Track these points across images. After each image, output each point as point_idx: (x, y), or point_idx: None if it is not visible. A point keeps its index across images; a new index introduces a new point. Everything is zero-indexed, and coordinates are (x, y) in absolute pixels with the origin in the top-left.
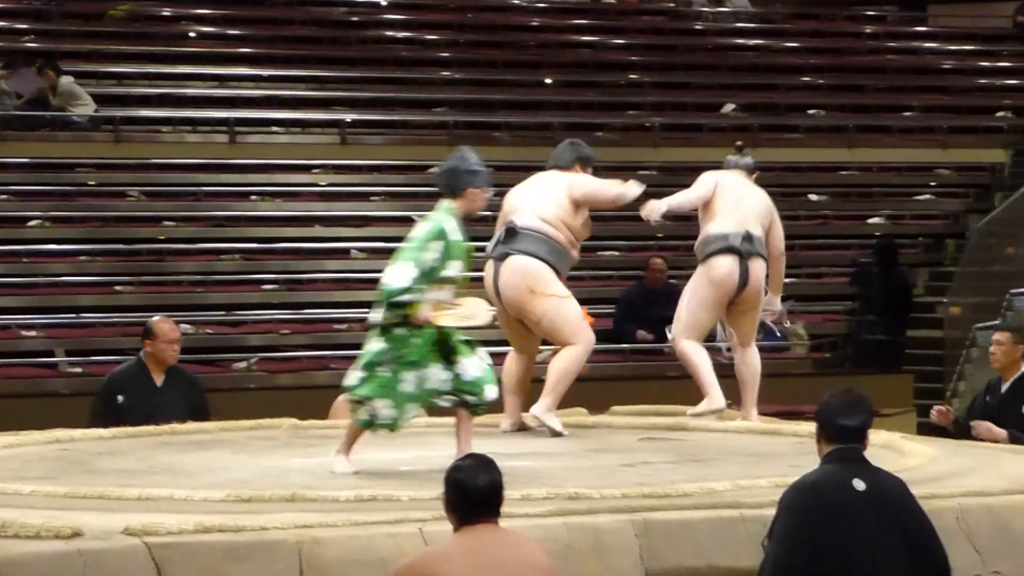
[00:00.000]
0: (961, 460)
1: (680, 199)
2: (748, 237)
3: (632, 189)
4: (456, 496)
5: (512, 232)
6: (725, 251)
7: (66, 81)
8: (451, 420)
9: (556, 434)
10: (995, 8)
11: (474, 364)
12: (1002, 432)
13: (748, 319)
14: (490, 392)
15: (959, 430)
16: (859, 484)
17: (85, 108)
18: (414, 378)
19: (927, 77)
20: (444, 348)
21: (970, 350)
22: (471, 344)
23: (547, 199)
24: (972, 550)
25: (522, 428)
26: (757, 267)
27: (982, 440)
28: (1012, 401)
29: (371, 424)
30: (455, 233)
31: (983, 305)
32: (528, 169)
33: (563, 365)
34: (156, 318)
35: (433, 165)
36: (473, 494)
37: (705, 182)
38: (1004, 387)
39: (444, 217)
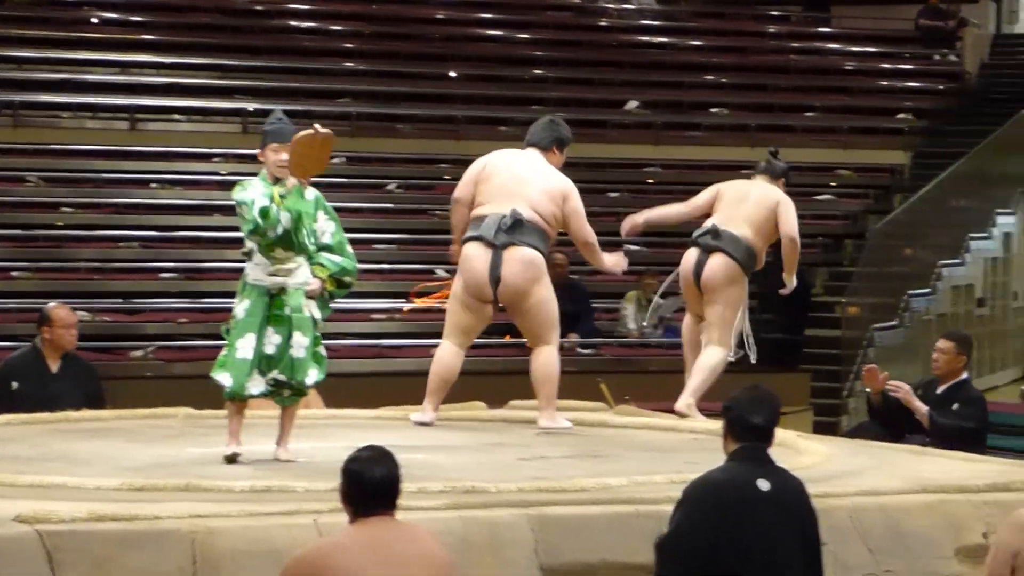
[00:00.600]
0: (856, 459)
1: (662, 210)
2: (714, 232)
3: (613, 264)
4: (352, 487)
5: (518, 223)
6: (690, 244)
7: None
8: (350, 412)
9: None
10: (898, 11)
11: (304, 344)
12: (923, 407)
13: (708, 310)
14: (312, 377)
15: (883, 401)
16: (763, 484)
17: None
18: (246, 344)
19: (829, 78)
20: (284, 317)
21: (867, 350)
22: (312, 324)
23: (545, 197)
24: (865, 549)
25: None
26: (714, 261)
27: (898, 397)
28: (945, 402)
29: (231, 396)
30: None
31: (881, 305)
32: (432, 162)
33: (549, 371)
34: (51, 304)
35: (335, 157)
36: (369, 486)
37: (703, 193)
38: (941, 389)
39: (254, 179)
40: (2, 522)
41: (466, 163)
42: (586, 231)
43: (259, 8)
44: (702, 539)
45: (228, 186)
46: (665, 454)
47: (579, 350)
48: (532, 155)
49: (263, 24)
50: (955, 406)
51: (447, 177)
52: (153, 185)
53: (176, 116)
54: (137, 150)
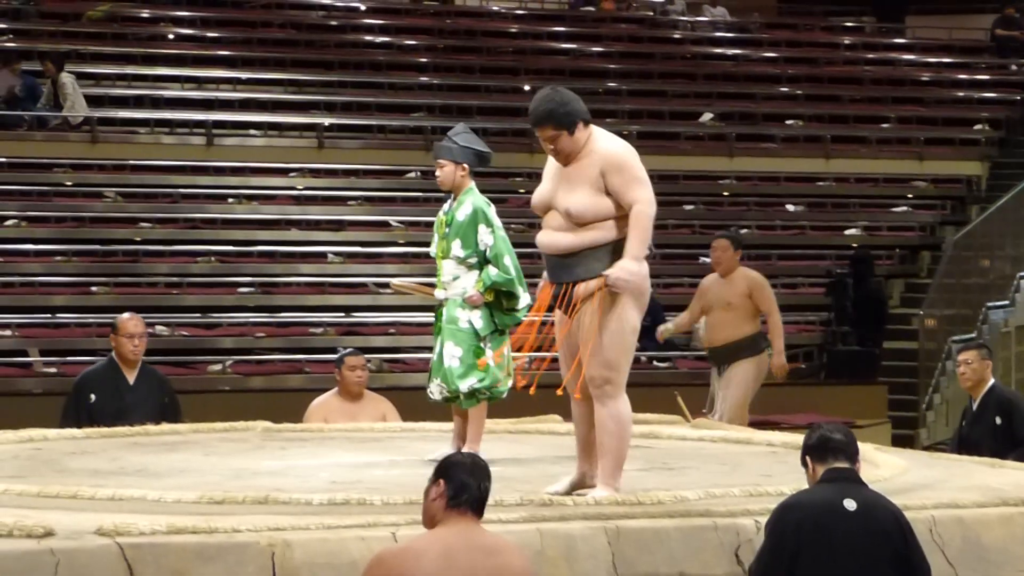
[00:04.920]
0: (932, 472)
1: None
2: None
3: None
4: (454, 480)
5: None
6: None
7: (67, 78)
8: (426, 425)
9: None
10: (973, 20)
11: (456, 355)
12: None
13: None
14: (469, 384)
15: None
16: (850, 504)
17: (75, 110)
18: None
19: (904, 88)
20: (440, 328)
21: (945, 362)
22: (470, 334)
23: None
24: (945, 562)
25: None
26: None
27: None
28: (984, 415)
29: (492, 397)
30: None
31: (958, 317)
32: (506, 175)
33: None
34: (124, 314)
35: (409, 170)
36: (467, 486)
37: None
38: (975, 406)
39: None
40: (83, 535)
41: (540, 176)
42: None
43: (333, 23)
44: (787, 562)
45: (303, 200)
46: (740, 467)
47: (655, 363)
48: None
49: (337, 39)
50: (997, 420)
51: (521, 191)
52: (229, 200)
53: (252, 131)
54: (213, 165)
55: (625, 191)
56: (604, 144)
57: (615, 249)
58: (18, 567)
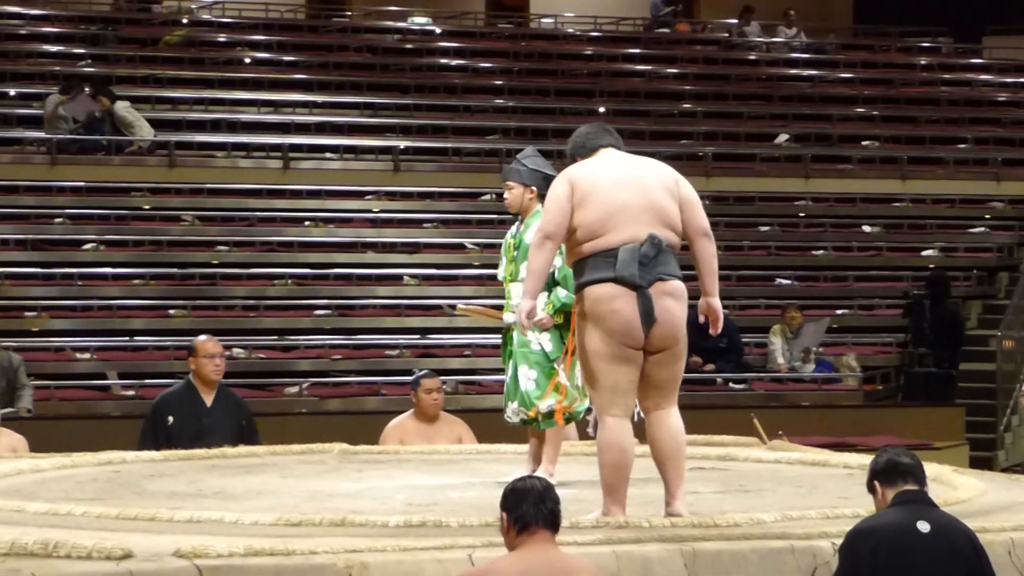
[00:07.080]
0: (1011, 494)
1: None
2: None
3: None
4: (516, 509)
5: (659, 248)
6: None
7: (121, 107)
8: (500, 447)
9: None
10: None
11: (531, 377)
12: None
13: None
14: (548, 405)
15: None
16: (923, 526)
17: (141, 134)
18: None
19: (981, 109)
20: (510, 351)
21: (1023, 384)
22: (542, 356)
23: (671, 201)
24: None
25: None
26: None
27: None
28: None
29: (570, 417)
30: None
31: None
32: None
33: (684, 440)
34: (201, 337)
35: (485, 192)
36: (527, 511)
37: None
38: None
39: None
40: (161, 557)
41: None
42: (704, 218)
43: (409, 47)
44: None
45: (379, 223)
46: (817, 489)
47: (731, 385)
48: (624, 155)
49: (413, 62)
50: None
51: None
52: (306, 223)
53: (328, 154)
54: (290, 188)
55: None
56: None
57: (576, 272)
58: None
